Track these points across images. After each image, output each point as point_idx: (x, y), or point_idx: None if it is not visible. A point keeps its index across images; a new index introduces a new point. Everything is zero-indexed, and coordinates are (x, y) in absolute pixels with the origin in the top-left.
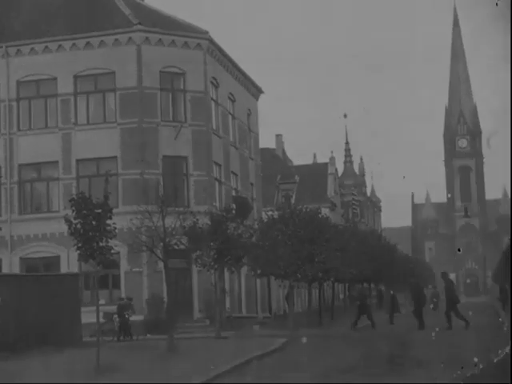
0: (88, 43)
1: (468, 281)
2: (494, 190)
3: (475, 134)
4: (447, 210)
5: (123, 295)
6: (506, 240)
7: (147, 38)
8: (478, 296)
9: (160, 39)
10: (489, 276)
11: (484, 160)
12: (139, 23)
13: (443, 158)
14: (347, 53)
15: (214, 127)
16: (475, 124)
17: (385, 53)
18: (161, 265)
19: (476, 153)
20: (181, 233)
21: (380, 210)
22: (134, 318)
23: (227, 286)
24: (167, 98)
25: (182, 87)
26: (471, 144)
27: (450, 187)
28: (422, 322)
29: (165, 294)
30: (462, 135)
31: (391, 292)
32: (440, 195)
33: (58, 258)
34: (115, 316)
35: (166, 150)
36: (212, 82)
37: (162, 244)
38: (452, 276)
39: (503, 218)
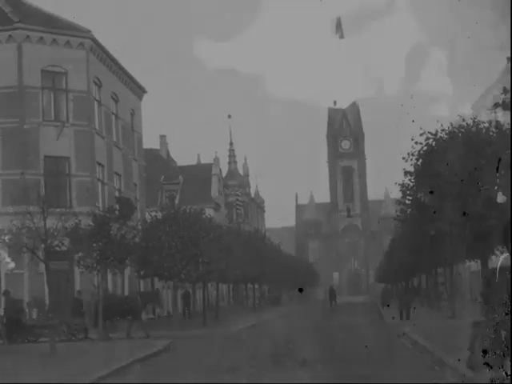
0: None
1: (351, 280)
2: (375, 191)
3: (358, 135)
4: (330, 210)
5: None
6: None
7: (28, 37)
8: (361, 295)
9: (41, 37)
10: (371, 275)
11: (366, 161)
12: (20, 21)
13: (326, 159)
14: (233, 54)
15: (97, 127)
16: (358, 125)
17: (271, 54)
18: (42, 266)
19: (359, 154)
20: (63, 234)
21: (264, 211)
22: None
23: (110, 288)
24: (49, 98)
25: (64, 86)
26: (354, 145)
27: (333, 188)
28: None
29: (46, 296)
30: (345, 136)
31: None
32: (323, 196)
33: None
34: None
35: (48, 150)
36: (95, 82)
37: (43, 245)
38: (335, 275)
39: (385, 218)
